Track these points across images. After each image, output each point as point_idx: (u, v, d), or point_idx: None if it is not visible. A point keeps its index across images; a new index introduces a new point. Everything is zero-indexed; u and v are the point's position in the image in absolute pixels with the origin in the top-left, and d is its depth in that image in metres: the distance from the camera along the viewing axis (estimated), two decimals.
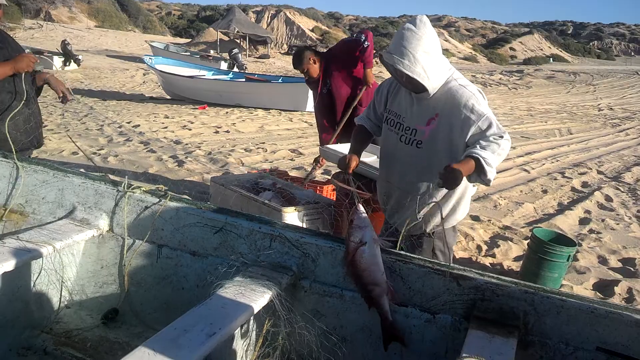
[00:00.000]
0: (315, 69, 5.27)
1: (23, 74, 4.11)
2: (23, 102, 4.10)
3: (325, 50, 5.65)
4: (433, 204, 3.00)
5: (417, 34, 2.75)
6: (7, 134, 3.71)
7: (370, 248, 2.51)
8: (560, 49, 73.48)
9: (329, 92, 5.31)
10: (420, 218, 3.06)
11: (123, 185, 3.12)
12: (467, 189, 3.09)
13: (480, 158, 2.67)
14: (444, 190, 2.96)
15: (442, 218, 2.93)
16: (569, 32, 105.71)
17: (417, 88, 2.85)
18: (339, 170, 4.02)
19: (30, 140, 4.30)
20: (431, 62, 2.77)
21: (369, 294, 2.52)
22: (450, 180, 2.65)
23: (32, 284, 2.93)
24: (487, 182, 2.76)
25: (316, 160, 5.72)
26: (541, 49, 69.92)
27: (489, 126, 2.77)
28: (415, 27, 2.76)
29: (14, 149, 3.65)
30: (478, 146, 2.72)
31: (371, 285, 2.50)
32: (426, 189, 3.00)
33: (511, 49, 68.50)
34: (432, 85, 2.82)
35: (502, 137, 2.74)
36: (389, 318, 2.53)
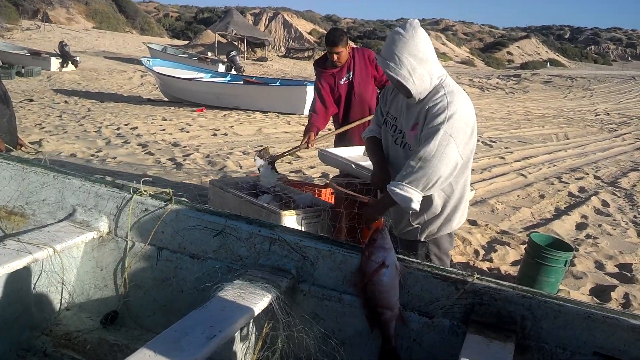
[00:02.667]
0: (346, 56, 5.06)
1: None
2: (4, 104, 4.17)
3: (358, 46, 5.47)
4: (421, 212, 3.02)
5: (405, 37, 2.75)
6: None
7: (391, 271, 2.48)
8: (557, 54, 73.63)
9: (349, 85, 5.10)
10: (414, 224, 3.08)
11: (131, 188, 3.13)
12: (463, 197, 3.08)
13: (390, 190, 2.81)
14: (435, 195, 2.98)
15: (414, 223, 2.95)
16: (566, 36, 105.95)
17: (406, 92, 2.85)
18: (337, 174, 4.04)
19: (12, 140, 4.35)
20: (417, 66, 2.75)
21: (379, 317, 2.48)
22: (367, 220, 3.01)
23: (32, 286, 2.94)
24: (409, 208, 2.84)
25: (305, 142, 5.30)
26: (538, 54, 70.05)
27: (427, 141, 2.74)
28: (404, 31, 2.77)
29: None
30: (402, 172, 2.81)
31: (384, 308, 2.47)
32: (428, 199, 3.00)
33: (508, 53, 68.58)
34: (417, 89, 2.80)
35: (421, 159, 2.73)
36: (392, 343, 2.51)
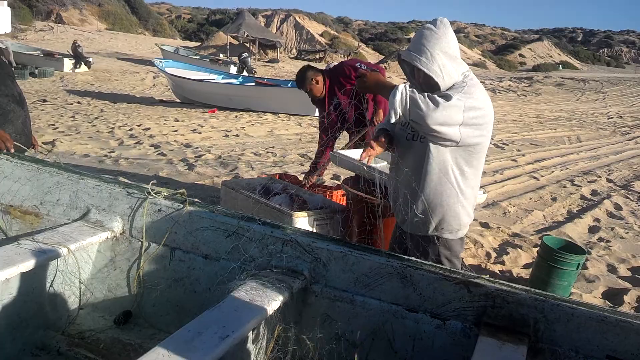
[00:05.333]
0: (318, 88, 5.20)
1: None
2: (19, 105, 4.21)
3: (329, 68, 5.57)
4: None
5: (437, 34, 2.80)
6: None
7: None
8: (569, 56, 73.31)
9: (339, 110, 5.16)
10: (419, 213, 3.06)
11: (147, 189, 3.15)
12: (458, 198, 3.02)
13: (398, 86, 2.72)
14: (445, 188, 2.97)
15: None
16: (579, 39, 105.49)
17: (432, 88, 2.87)
18: (349, 175, 4.03)
19: (27, 142, 4.39)
20: (448, 62, 2.80)
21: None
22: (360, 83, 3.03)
23: (46, 285, 2.97)
24: (392, 105, 2.71)
25: (306, 178, 5.57)
26: (550, 56, 69.78)
27: (443, 95, 2.73)
28: (435, 27, 2.82)
29: (14, 151, 3.75)
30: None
31: None
32: (429, 186, 3.00)
33: (520, 55, 68.37)
34: (445, 85, 2.84)
35: (432, 103, 2.68)
36: None
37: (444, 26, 2.83)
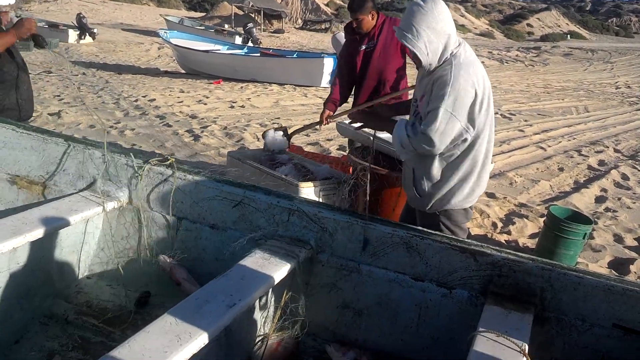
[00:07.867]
0: (370, 23, 4.80)
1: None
2: (24, 72, 4.25)
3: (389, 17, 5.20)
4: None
5: (423, 10, 2.76)
6: (18, 104, 3.87)
7: None
8: (578, 26, 72.48)
9: (369, 54, 4.87)
10: (417, 194, 3.05)
11: (153, 160, 3.15)
12: (473, 172, 2.98)
13: (398, 124, 2.98)
14: (437, 166, 2.96)
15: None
16: (587, 8, 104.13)
17: (418, 62, 2.87)
18: (356, 146, 4.01)
19: (30, 106, 4.43)
20: (435, 39, 2.77)
21: None
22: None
23: (54, 255, 2.98)
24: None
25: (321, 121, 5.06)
26: (559, 26, 69.00)
27: (430, 118, 2.78)
28: (423, 3, 2.78)
29: (21, 117, 3.76)
30: (411, 124, 2.94)
31: None
32: (424, 163, 2.99)
33: (528, 25, 67.64)
34: (428, 61, 2.83)
35: (424, 133, 2.79)
36: None
37: (433, 2, 2.78)
